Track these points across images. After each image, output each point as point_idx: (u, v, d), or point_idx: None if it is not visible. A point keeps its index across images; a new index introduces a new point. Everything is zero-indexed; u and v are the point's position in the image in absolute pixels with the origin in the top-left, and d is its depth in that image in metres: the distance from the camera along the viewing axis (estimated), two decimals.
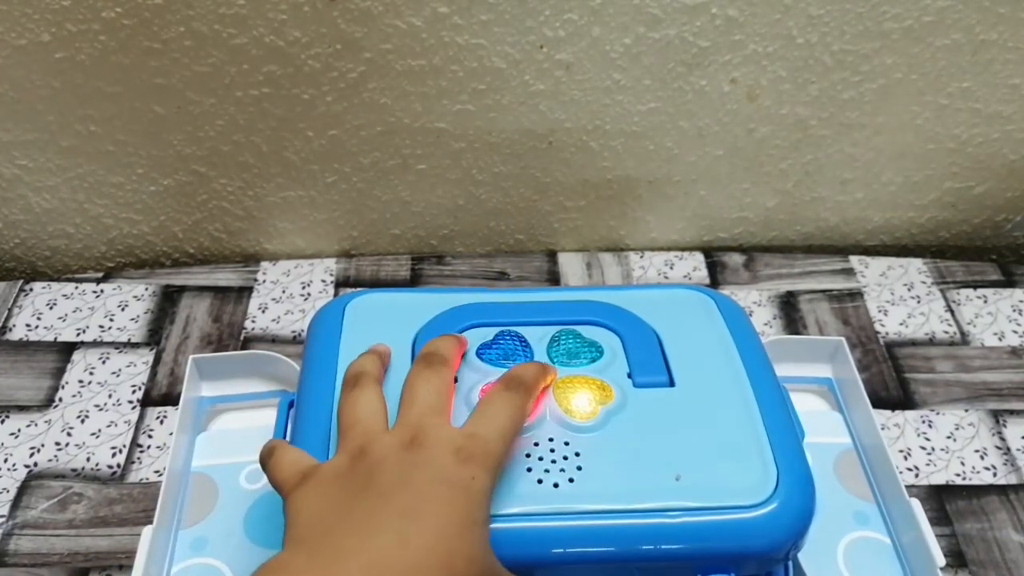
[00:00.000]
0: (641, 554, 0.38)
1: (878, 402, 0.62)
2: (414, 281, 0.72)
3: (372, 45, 0.60)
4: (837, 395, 0.60)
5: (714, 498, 0.38)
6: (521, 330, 0.46)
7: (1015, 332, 0.68)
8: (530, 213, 0.73)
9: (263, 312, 0.68)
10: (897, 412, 0.62)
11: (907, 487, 0.51)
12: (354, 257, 0.74)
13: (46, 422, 0.60)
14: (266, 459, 0.39)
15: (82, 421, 0.60)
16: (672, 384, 0.43)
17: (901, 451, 0.59)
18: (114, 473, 0.57)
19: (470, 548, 0.34)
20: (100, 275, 0.71)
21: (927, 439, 0.60)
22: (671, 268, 0.74)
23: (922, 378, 0.64)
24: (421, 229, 0.74)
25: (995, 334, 0.68)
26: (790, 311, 0.69)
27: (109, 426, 0.60)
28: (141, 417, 0.60)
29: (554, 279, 0.73)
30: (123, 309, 0.68)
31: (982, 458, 0.59)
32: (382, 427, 0.37)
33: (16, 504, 0.55)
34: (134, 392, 0.62)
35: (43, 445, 0.58)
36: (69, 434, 0.59)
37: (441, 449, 0.35)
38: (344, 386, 0.40)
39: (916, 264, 0.74)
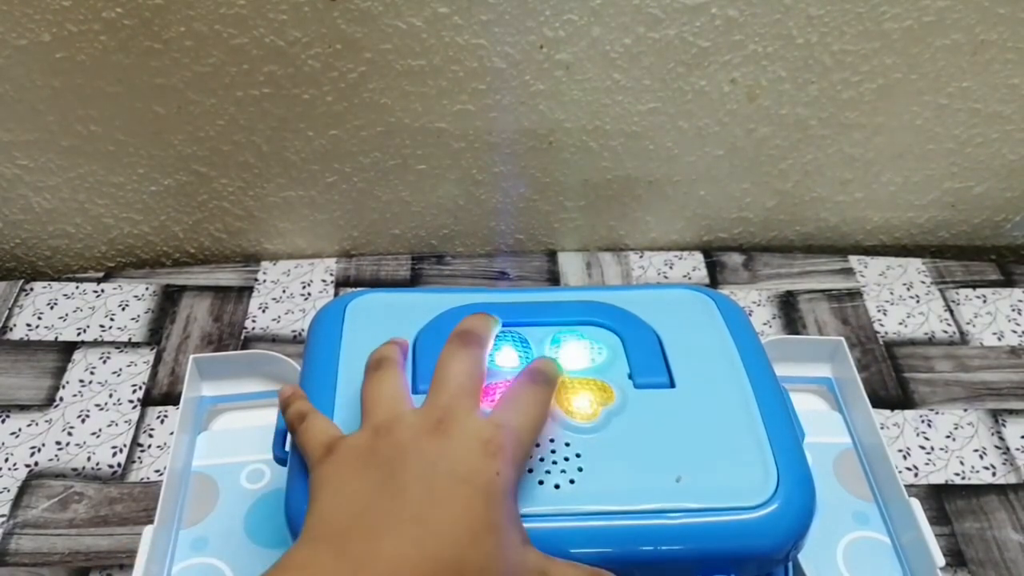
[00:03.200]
0: (641, 555, 0.38)
1: (877, 402, 0.62)
2: (414, 281, 0.72)
3: (372, 45, 0.60)
4: (836, 395, 0.60)
5: (714, 499, 0.38)
6: (522, 330, 0.46)
7: (1014, 332, 0.68)
8: (530, 213, 0.74)
9: (263, 312, 0.68)
10: (896, 412, 0.62)
11: (906, 487, 0.52)
12: (354, 257, 0.74)
13: (47, 421, 0.60)
14: (296, 424, 0.39)
15: (83, 420, 0.60)
16: (672, 385, 0.43)
17: (900, 451, 0.60)
18: (115, 472, 0.57)
19: (483, 557, 0.33)
20: (101, 275, 0.71)
21: (926, 439, 0.60)
22: (671, 268, 0.74)
23: (921, 378, 0.65)
24: (421, 229, 0.75)
25: (994, 334, 0.68)
26: (789, 311, 0.70)
27: (110, 425, 0.60)
28: (142, 416, 0.60)
29: (554, 279, 0.73)
30: (124, 309, 0.68)
31: (981, 458, 0.59)
32: (407, 406, 0.37)
33: (17, 503, 0.55)
34: (135, 391, 0.62)
35: (44, 444, 0.58)
36: (70, 433, 0.59)
37: (467, 439, 0.34)
38: (367, 370, 0.40)
39: (915, 264, 0.74)
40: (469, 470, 0.34)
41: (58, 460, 0.57)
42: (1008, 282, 0.73)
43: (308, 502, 0.35)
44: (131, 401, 0.61)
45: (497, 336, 0.46)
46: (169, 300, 0.69)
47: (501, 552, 0.34)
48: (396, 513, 0.33)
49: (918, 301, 0.71)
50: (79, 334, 0.66)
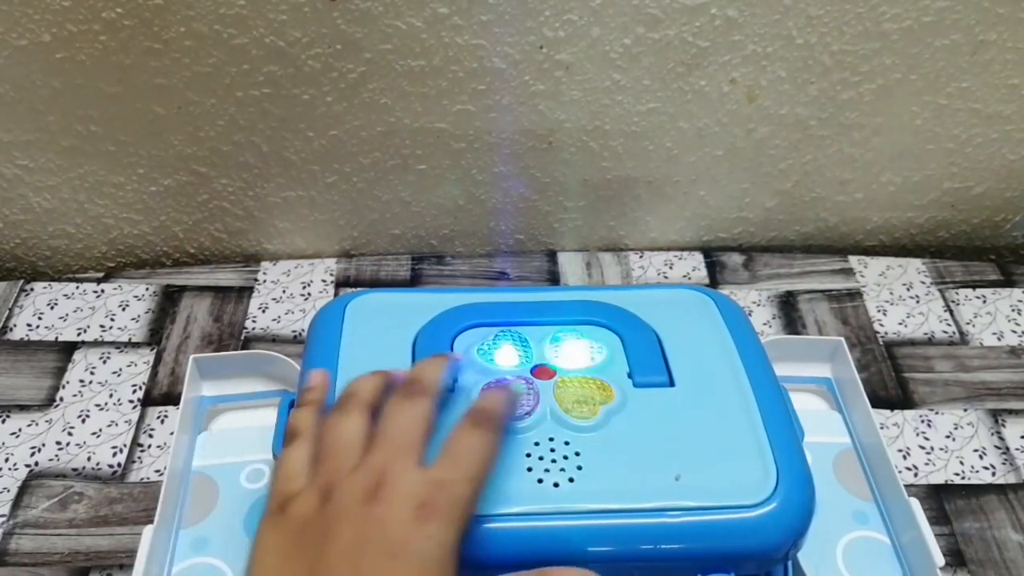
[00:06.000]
0: (641, 554, 0.38)
1: (877, 402, 0.62)
2: (414, 281, 0.72)
3: (372, 45, 0.60)
4: (836, 395, 0.60)
5: (714, 498, 0.38)
6: (521, 330, 0.46)
7: (1014, 332, 0.68)
8: (530, 213, 0.74)
9: (263, 312, 0.68)
10: (896, 412, 0.62)
11: (906, 486, 0.52)
12: (354, 257, 0.74)
13: (47, 421, 0.60)
14: (286, 439, 0.39)
15: (83, 420, 0.60)
16: (672, 384, 0.44)
17: (900, 451, 0.60)
18: (115, 472, 0.57)
19: None
20: (101, 275, 0.71)
21: (926, 439, 0.60)
22: (671, 268, 0.74)
23: (921, 378, 0.65)
24: (421, 229, 0.75)
25: (994, 334, 0.68)
26: (789, 311, 0.70)
27: (110, 425, 0.60)
28: (142, 416, 0.60)
29: (554, 279, 0.73)
30: (124, 309, 0.68)
31: (981, 457, 0.59)
32: (352, 463, 0.36)
33: (17, 503, 0.55)
34: (135, 392, 0.62)
35: (44, 444, 0.58)
36: (70, 433, 0.59)
37: (401, 505, 0.34)
38: (336, 405, 0.39)
39: (915, 264, 0.74)
40: (398, 543, 0.33)
41: (58, 460, 0.57)
42: (1008, 282, 0.73)
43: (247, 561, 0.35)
44: (131, 401, 0.61)
45: (497, 335, 0.46)
46: (169, 300, 0.69)
47: None
48: None
49: (918, 301, 0.71)
50: (79, 334, 0.66)
